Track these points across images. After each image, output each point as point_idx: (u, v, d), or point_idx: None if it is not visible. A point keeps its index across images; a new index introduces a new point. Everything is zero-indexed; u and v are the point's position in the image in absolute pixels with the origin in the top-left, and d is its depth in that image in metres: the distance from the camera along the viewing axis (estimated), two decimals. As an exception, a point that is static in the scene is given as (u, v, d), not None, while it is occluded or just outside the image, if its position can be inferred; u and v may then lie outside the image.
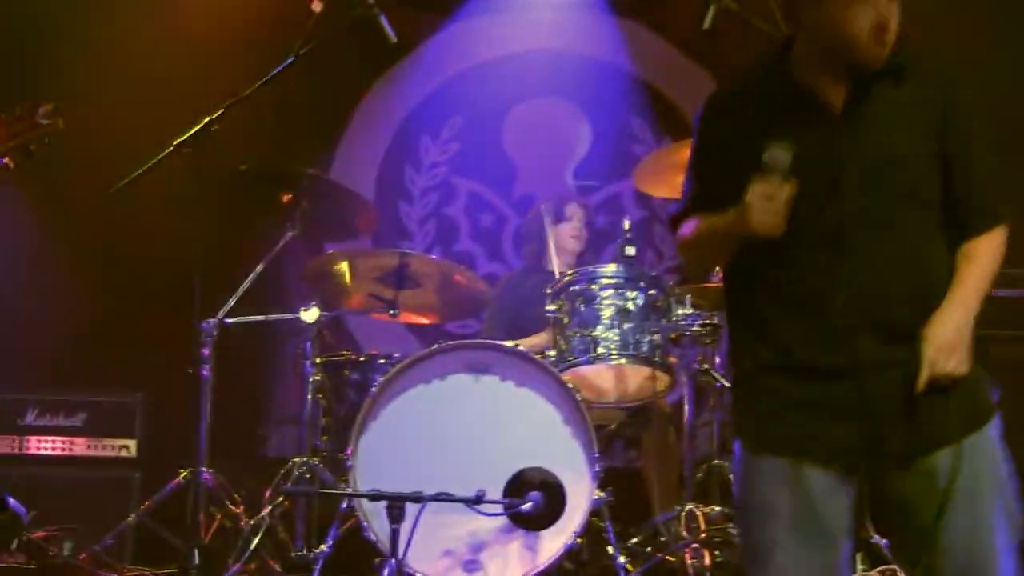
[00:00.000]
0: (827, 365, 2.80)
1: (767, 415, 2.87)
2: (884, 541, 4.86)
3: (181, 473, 5.25)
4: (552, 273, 5.65)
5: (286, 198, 5.50)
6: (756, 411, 2.91)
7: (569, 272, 5.24)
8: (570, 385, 4.72)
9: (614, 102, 7.69)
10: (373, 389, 4.75)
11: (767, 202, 2.75)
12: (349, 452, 4.67)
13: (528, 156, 7.72)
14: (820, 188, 2.83)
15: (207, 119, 4.90)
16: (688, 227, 3.03)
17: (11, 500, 4.47)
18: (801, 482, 2.80)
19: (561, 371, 4.87)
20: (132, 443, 6.04)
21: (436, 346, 4.78)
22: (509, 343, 4.81)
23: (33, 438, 5.95)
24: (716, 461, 5.42)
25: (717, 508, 5.08)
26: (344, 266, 5.43)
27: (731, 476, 5.42)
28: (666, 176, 5.80)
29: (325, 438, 5.25)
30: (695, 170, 3.07)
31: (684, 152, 5.56)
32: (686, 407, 5.15)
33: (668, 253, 7.65)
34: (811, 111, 2.85)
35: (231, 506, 5.20)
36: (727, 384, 5.45)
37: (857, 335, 2.79)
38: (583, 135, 7.68)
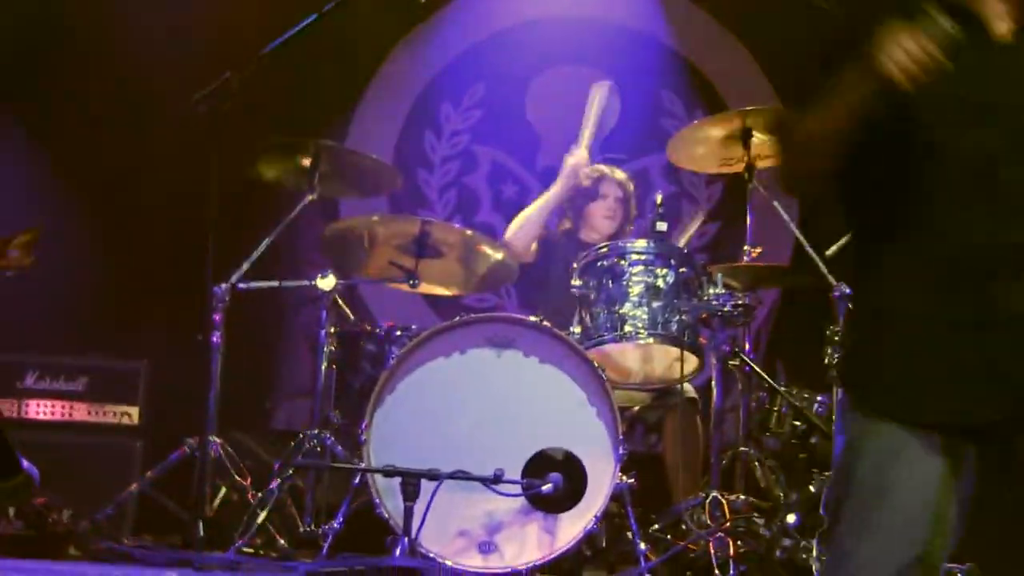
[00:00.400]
0: (968, 316, 2.55)
1: (904, 380, 2.58)
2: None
3: (187, 442, 5.27)
4: (584, 244, 5.68)
5: (305, 162, 5.52)
6: (889, 375, 2.60)
7: (598, 247, 5.26)
8: (596, 363, 4.73)
9: (646, 73, 7.69)
10: (392, 360, 4.77)
11: (909, 39, 2.42)
12: (363, 426, 4.68)
13: (553, 126, 7.71)
14: (970, 115, 2.58)
15: (227, 74, 4.91)
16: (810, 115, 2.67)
17: (24, 462, 4.50)
18: (953, 453, 2.57)
19: (586, 348, 4.88)
20: (135, 410, 6.05)
21: (458, 318, 4.80)
22: (534, 317, 4.81)
23: (32, 402, 5.97)
24: (742, 448, 5.43)
25: (742, 496, 5.09)
26: (366, 231, 5.43)
27: (756, 465, 5.48)
28: (699, 150, 5.81)
29: (338, 411, 5.25)
30: (827, 66, 2.67)
31: (718, 127, 5.65)
32: (714, 391, 5.15)
33: (697, 231, 7.65)
34: (974, 30, 2.58)
35: (238, 478, 5.22)
36: (757, 369, 5.47)
37: (1003, 282, 2.55)
38: (612, 106, 7.66)
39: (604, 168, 6.28)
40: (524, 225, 6.10)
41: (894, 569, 2.55)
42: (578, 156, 6.17)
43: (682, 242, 5.79)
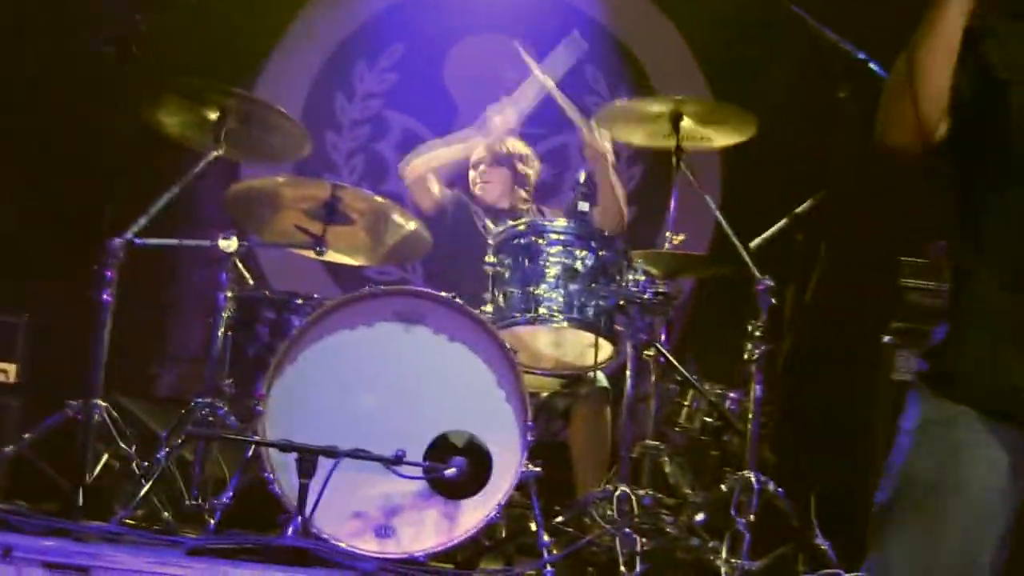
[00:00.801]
0: None
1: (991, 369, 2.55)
2: (828, 543, 4.97)
3: (69, 404, 5.17)
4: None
5: (213, 116, 5.44)
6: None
7: (516, 223, 5.25)
8: (507, 345, 4.72)
9: (571, 48, 7.68)
10: (295, 330, 4.72)
11: None
12: (259, 396, 4.63)
13: (471, 96, 7.67)
14: None
15: (135, 17, 4.82)
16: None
17: None
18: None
19: (498, 329, 4.85)
20: (12, 367, 5.94)
21: (366, 289, 4.74)
22: (445, 293, 4.79)
23: None
24: (651, 442, 5.46)
25: (650, 492, 5.12)
26: (271, 193, 5.36)
27: (666, 460, 5.52)
28: (627, 124, 5.83)
29: (231, 379, 5.17)
30: None
31: (650, 106, 5.67)
32: (627, 381, 5.17)
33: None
34: None
35: (123, 445, 5.13)
36: (672, 360, 5.51)
37: None
38: (532, 79, 7.65)
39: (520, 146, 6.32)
40: (430, 162, 6.13)
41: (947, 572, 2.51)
42: (509, 117, 6.17)
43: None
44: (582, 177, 5.25)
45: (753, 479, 5.02)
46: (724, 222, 5.44)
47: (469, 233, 6.08)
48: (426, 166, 6.20)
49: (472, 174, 6.32)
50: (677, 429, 5.83)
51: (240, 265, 5.34)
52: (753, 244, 5.78)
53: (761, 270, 5.26)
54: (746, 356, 5.20)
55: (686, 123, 5.59)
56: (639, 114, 5.69)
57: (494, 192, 6.29)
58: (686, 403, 5.78)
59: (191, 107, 5.45)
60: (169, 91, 5.41)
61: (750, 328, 5.18)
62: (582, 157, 6.48)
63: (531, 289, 5.06)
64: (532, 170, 6.34)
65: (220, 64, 7.16)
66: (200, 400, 5.06)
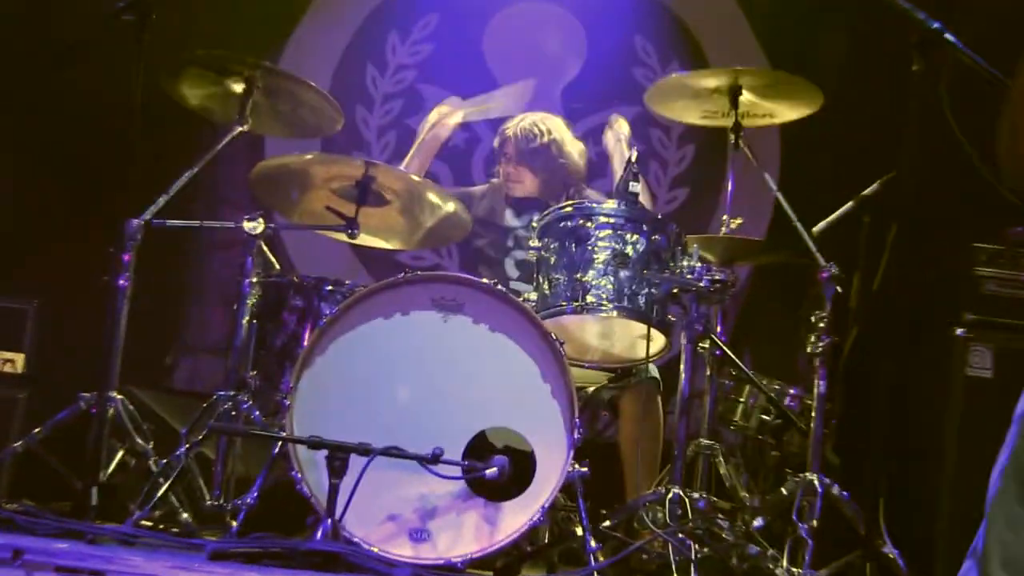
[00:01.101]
0: None
1: None
2: (897, 552, 4.89)
3: (83, 397, 5.14)
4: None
5: (238, 88, 5.40)
6: None
7: (561, 205, 5.20)
8: (553, 335, 4.66)
9: (620, 17, 7.64)
10: (325, 318, 4.67)
11: None
12: (287, 389, 4.59)
13: (511, 69, 7.64)
14: None
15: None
16: None
17: None
18: None
19: (542, 318, 4.81)
20: (20, 357, 5.94)
21: (402, 275, 4.68)
22: (486, 279, 4.74)
23: (-102, 340, 5.84)
24: (705, 441, 5.38)
25: (704, 495, 5.05)
26: (299, 171, 5.32)
27: (721, 460, 5.45)
28: (680, 100, 5.77)
29: (255, 372, 5.13)
30: None
31: (705, 80, 5.60)
32: (681, 376, 5.10)
33: (662, 197, 7.63)
34: None
35: (140, 441, 5.10)
36: (729, 353, 5.44)
37: None
38: (578, 51, 7.61)
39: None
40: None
41: None
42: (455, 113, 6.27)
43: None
44: (633, 155, 5.19)
45: (816, 481, 4.96)
46: (785, 204, 5.36)
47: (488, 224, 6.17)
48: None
49: (501, 169, 6.32)
50: (733, 427, 5.78)
51: (266, 249, 5.30)
52: (816, 228, 5.70)
53: (825, 256, 5.18)
54: (808, 349, 5.13)
55: (745, 97, 5.51)
56: (694, 89, 5.62)
57: (522, 190, 6.30)
58: (742, 399, 5.73)
59: (215, 79, 5.44)
60: (192, 62, 5.40)
61: (813, 319, 5.11)
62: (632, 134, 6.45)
63: (578, 276, 5.00)
64: (569, 159, 6.27)
65: (245, 34, 7.16)
66: (223, 393, 5.03)
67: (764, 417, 5.70)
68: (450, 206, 5.37)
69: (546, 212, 5.20)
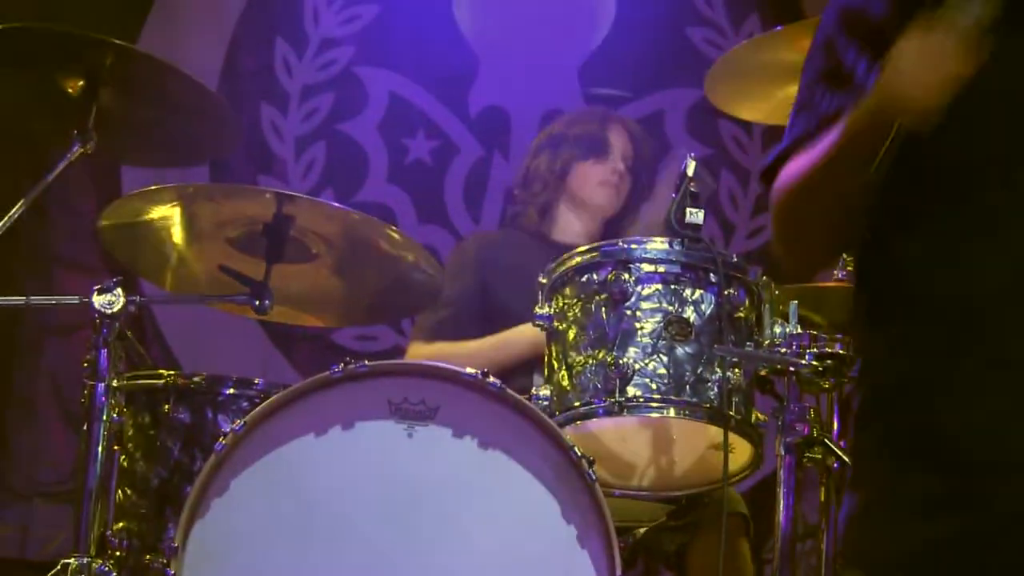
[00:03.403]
0: None
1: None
2: None
3: None
4: (560, 247, 5.67)
5: (73, 87, 5.44)
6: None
7: (581, 249, 5.23)
8: (578, 451, 4.68)
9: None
10: (224, 438, 4.69)
11: (932, 51, 2.79)
12: (170, 550, 4.60)
13: (500, 40, 7.72)
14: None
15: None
16: (791, 167, 3.12)
17: None
18: None
19: (560, 424, 4.84)
20: None
21: (340, 367, 4.70)
22: (472, 369, 4.77)
23: None
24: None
25: None
26: (174, 214, 5.35)
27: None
28: (757, 85, 5.79)
29: (122, 524, 5.17)
30: (814, 82, 3.17)
31: (792, 48, 5.63)
32: (780, 504, 5.11)
33: (742, 227, 7.66)
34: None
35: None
36: (849, 462, 5.45)
37: None
38: (601, 11, 7.67)
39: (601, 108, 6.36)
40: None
41: None
42: None
43: None
44: (690, 168, 5.20)
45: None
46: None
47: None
48: None
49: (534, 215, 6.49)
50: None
51: (130, 335, 5.32)
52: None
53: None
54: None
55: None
56: (772, 63, 5.64)
57: (594, 203, 6.49)
58: (879, 535, 5.72)
59: (37, 74, 5.45)
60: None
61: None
62: (686, 135, 6.49)
63: (613, 357, 5.01)
64: (629, 144, 6.45)
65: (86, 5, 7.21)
66: (73, 562, 5.03)
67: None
68: (410, 256, 5.39)
69: (559, 261, 5.22)
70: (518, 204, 6.52)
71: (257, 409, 4.72)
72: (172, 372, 5.42)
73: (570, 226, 6.41)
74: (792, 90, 5.68)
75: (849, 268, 5.59)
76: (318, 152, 7.79)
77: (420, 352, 6.18)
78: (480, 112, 7.70)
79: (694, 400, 5.01)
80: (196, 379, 5.35)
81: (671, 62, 7.46)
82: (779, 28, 6.02)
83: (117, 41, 5.41)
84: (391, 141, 7.78)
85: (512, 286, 6.05)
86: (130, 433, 5.26)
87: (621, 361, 5.00)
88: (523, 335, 5.61)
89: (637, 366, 5.01)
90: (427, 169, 7.70)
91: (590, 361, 5.05)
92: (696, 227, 5.12)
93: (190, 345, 7.38)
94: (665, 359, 5.01)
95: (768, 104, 5.88)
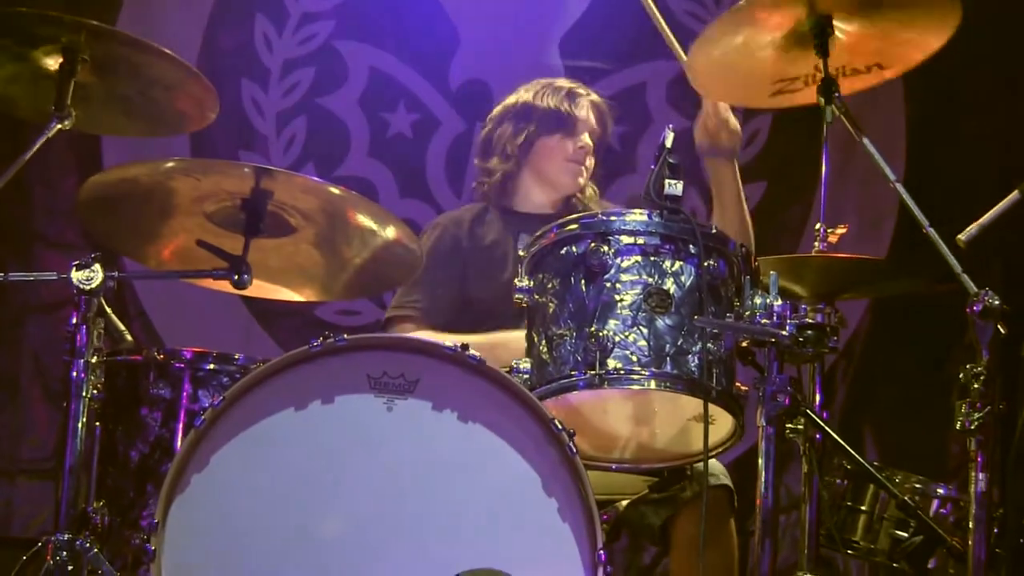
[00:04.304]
0: None
1: None
2: None
3: None
4: (524, 217, 5.69)
5: (51, 64, 5.44)
6: None
7: (560, 222, 5.22)
8: (558, 424, 4.69)
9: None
10: (204, 413, 4.69)
11: None
12: (150, 526, 4.59)
13: (479, 13, 7.71)
14: None
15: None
16: None
17: None
18: None
19: (540, 397, 4.84)
20: None
21: (319, 341, 4.72)
22: (450, 341, 4.76)
23: None
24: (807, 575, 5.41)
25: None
26: (153, 190, 5.34)
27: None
28: (737, 63, 5.79)
29: (101, 503, 5.16)
30: None
31: (774, 20, 5.62)
32: (761, 476, 5.11)
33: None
34: None
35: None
36: (836, 437, 5.45)
37: None
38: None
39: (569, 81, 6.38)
40: None
41: None
42: None
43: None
44: (669, 139, 5.18)
45: (981, 632, 4.97)
46: (912, 204, 5.38)
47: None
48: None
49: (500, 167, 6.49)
50: (851, 552, 5.79)
51: (109, 311, 5.32)
52: (963, 236, 5.71)
53: (978, 281, 5.19)
54: (958, 425, 5.11)
55: (841, 37, 5.53)
56: (753, 39, 5.64)
57: (560, 182, 6.55)
58: (864, 507, 5.74)
59: (15, 51, 5.45)
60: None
61: (961, 376, 5.09)
62: (667, 107, 6.48)
63: (593, 329, 5.01)
64: (596, 120, 6.49)
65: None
66: (54, 538, 5.03)
67: (898, 533, 5.70)
68: (390, 231, 5.38)
69: (538, 234, 5.22)
70: (480, 172, 6.54)
71: (237, 384, 4.72)
72: (149, 346, 5.43)
73: (532, 197, 6.43)
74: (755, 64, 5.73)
75: (829, 240, 5.59)
76: (299, 127, 7.80)
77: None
78: (461, 85, 7.71)
79: (674, 372, 5.00)
80: (176, 355, 5.36)
81: (652, 34, 7.41)
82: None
83: (93, 22, 5.42)
84: (372, 115, 7.80)
85: (488, 266, 6.08)
86: (111, 410, 5.26)
87: (601, 333, 5.00)
88: (520, 340, 5.60)
89: (617, 338, 5.00)
90: (408, 143, 7.71)
91: (570, 334, 5.05)
92: (675, 199, 5.12)
93: (173, 322, 7.39)
94: (645, 331, 5.00)
95: (743, 83, 5.87)
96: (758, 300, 5.07)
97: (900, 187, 5.39)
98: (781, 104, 5.83)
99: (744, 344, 5.08)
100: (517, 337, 5.43)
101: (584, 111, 6.34)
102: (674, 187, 5.12)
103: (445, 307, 6.21)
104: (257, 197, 5.17)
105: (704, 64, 5.79)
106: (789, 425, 5.35)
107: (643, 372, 5.00)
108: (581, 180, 6.43)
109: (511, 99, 6.51)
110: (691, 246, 5.08)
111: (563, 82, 6.47)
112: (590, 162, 6.42)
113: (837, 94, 5.53)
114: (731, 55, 5.71)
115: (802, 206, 6.22)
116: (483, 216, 6.44)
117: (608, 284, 5.04)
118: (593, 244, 5.08)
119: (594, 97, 6.43)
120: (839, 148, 5.68)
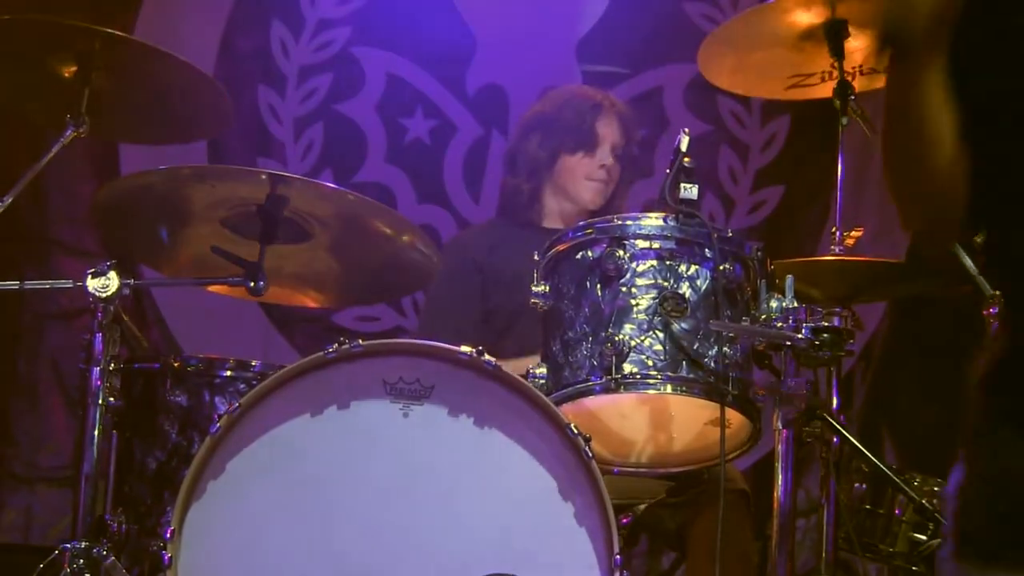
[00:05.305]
0: None
1: None
2: None
3: None
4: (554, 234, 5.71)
5: (66, 72, 5.44)
6: None
7: (576, 227, 5.21)
8: (574, 429, 4.69)
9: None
10: (219, 421, 4.70)
11: None
12: (167, 534, 4.60)
13: (497, 19, 7.71)
14: None
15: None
16: None
17: None
18: None
19: (556, 402, 4.84)
20: None
21: (334, 347, 4.72)
22: (467, 348, 4.77)
23: None
24: (821, 579, 5.41)
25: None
26: (169, 197, 5.35)
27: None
28: (753, 58, 5.78)
29: (119, 510, 5.17)
30: None
31: (790, 19, 5.61)
32: (778, 479, 5.10)
33: (742, 203, 7.65)
34: None
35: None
36: (854, 441, 5.44)
37: None
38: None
39: (594, 92, 6.36)
40: None
41: None
42: None
43: None
44: (684, 143, 5.17)
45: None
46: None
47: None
48: None
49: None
50: (870, 556, 5.77)
51: (126, 319, 5.33)
52: (979, 238, 5.70)
53: (995, 282, 5.19)
54: (976, 427, 5.12)
55: (855, 40, 5.53)
56: (770, 35, 5.63)
57: (582, 198, 6.52)
58: (882, 511, 5.72)
59: (31, 59, 5.45)
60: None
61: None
62: (683, 110, 6.46)
63: (609, 333, 5.01)
64: (619, 131, 6.46)
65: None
66: (71, 545, 5.04)
67: (917, 536, 5.68)
68: (406, 237, 5.39)
69: (554, 239, 5.22)
70: (508, 189, 6.53)
71: (253, 391, 4.72)
72: (167, 354, 5.44)
73: (556, 212, 6.45)
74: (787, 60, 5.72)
75: (846, 243, 5.59)
76: (316, 133, 7.79)
77: None
78: (478, 91, 7.69)
79: (691, 376, 4.99)
80: (193, 362, 5.37)
81: (669, 38, 7.45)
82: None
83: (109, 30, 5.43)
84: (389, 121, 7.80)
85: (513, 281, 6.06)
86: (128, 417, 5.27)
87: (617, 338, 4.99)
88: None
89: (633, 343, 4.99)
90: (426, 149, 7.71)
91: (586, 338, 5.05)
92: (690, 202, 5.11)
93: (191, 329, 7.39)
94: (661, 335, 5.00)
95: (759, 77, 5.86)
96: (774, 303, 5.05)
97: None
98: (795, 96, 5.82)
99: (760, 348, 5.07)
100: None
101: (607, 127, 6.30)
102: (689, 191, 5.10)
103: (469, 331, 6.19)
104: (273, 203, 5.18)
105: (719, 55, 5.81)
106: (807, 429, 5.35)
107: (658, 376, 5.00)
108: (602, 197, 6.39)
109: (537, 108, 6.49)
110: (706, 250, 5.07)
111: (588, 92, 6.43)
112: (613, 178, 6.39)
113: (852, 96, 5.53)
114: (752, 46, 5.73)
115: (819, 209, 6.17)
116: (506, 230, 6.45)
117: (624, 288, 5.03)
118: (609, 248, 5.07)
119: (620, 107, 6.38)
120: (858, 150, 5.65)
